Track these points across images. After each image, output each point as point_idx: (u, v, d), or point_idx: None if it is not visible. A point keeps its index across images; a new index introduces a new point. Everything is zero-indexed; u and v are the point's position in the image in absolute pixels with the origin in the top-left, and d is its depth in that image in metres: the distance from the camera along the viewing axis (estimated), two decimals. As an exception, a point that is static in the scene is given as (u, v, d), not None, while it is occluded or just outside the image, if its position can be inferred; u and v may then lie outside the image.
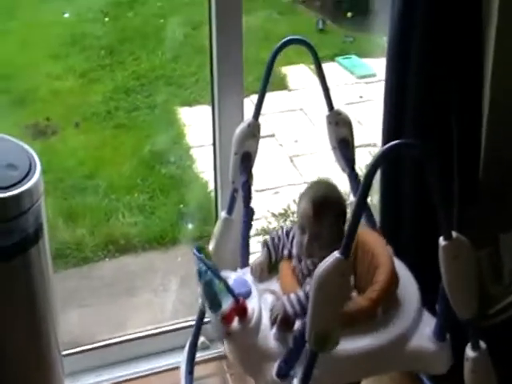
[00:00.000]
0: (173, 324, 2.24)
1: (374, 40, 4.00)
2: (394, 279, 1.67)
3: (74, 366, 2.08)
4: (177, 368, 2.08)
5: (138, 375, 2.13)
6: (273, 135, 3.73)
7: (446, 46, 1.88)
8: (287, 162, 3.58)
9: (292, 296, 1.60)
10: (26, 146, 1.65)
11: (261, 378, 1.59)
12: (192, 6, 4.30)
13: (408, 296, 1.71)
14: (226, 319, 1.56)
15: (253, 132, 1.86)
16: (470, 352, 1.56)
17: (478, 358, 1.56)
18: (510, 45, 2.05)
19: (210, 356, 2.18)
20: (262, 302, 1.66)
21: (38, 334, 1.69)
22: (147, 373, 2.14)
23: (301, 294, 1.60)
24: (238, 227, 1.91)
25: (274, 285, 1.74)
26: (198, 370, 2.09)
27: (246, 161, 1.87)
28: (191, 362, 2.01)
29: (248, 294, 1.64)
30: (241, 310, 1.57)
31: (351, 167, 1.94)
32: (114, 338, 2.19)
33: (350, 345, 1.56)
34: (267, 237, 1.83)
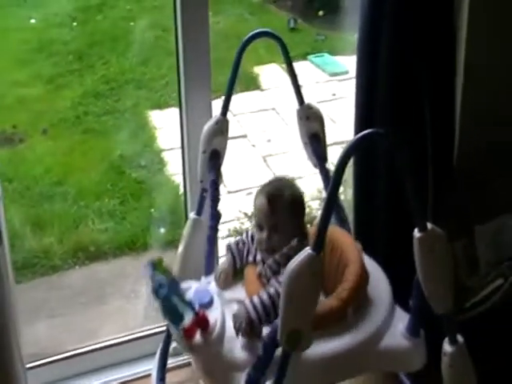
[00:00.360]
0: (144, 331, 2.17)
1: (345, 38, 3.97)
2: (363, 276, 1.62)
3: (41, 379, 2.00)
4: (149, 375, 2.01)
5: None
6: (245, 136, 3.68)
7: (417, 34, 1.84)
8: (260, 162, 3.53)
9: (255, 299, 1.53)
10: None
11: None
12: (162, 8, 4.25)
13: (379, 293, 1.65)
14: (188, 333, 1.49)
15: (221, 129, 1.80)
16: (447, 347, 1.52)
17: (455, 352, 1.51)
18: (482, 32, 2.02)
19: (182, 362, 2.10)
20: (228, 311, 1.59)
21: (-1, 347, 1.60)
22: (118, 382, 2.06)
23: (264, 296, 1.53)
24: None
25: (240, 291, 1.67)
26: (171, 377, 2.02)
27: (215, 159, 1.81)
28: (162, 369, 1.94)
29: (210, 304, 1.57)
30: (202, 323, 1.50)
31: (323, 163, 1.89)
32: (82, 347, 2.11)
33: (320, 348, 1.50)
34: (231, 241, 1.76)
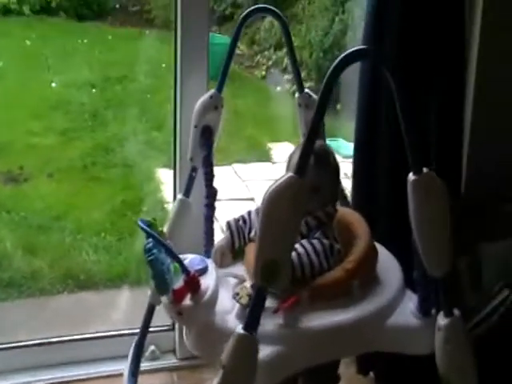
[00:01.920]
0: (125, 329, 2.02)
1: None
2: (371, 251, 1.53)
3: (7, 364, 1.86)
4: (121, 374, 1.85)
5: (77, 378, 1.90)
6: (252, 199, 3.63)
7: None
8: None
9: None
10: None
11: (217, 359, 1.37)
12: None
13: (388, 274, 1.55)
14: (177, 296, 1.38)
15: (215, 104, 1.74)
16: (441, 320, 1.38)
17: (450, 325, 1.37)
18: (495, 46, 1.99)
19: (160, 366, 1.96)
20: (223, 285, 1.48)
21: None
22: (88, 376, 1.90)
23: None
24: (197, 212, 1.75)
25: (238, 268, 1.56)
26: (147, 380, 1.87)
27: (207, 135, 1.74)
28: (136, 363, 1.78)
29: (203, 271, 1.46)
30: (192, 284, 1.38)
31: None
32: (52, 337, 1.97)
33: (322, 320, 1.39)
34: (231, 219, 1.65)
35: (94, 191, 3.51)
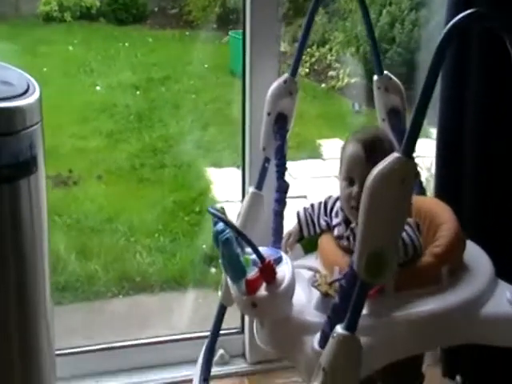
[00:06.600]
0: (188, 333, 1.92)
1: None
2: (459, 236, 1.41)
3: (71, 370, 1.76)
4: (190, 380, 1.75)
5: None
6: (305, 196, 3.51)
7: None
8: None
9: None
10: (29, 76, 1.43)
11: (297, 353, 1.26)
12: (224, 86, 4.28)
13: (478, 264, 1.44)
14: (251, 286, 1.24)
15: (289, 89, 1.63)
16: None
17: None
18: None
19: (229, 371, 1.86)
20: (298, 277, 1.34)
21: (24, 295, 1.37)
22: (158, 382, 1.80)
23: None
24: (270, 206, 1.64)
25: (311, 262, 1.46)
26: (215, 386, 1.76)
27: (281, 123, 1.62)
28: (207, 367, 1.67)
29: (278, 261, 1.33)
30: (268, 272, 1.25)
31: (403, 140, 1.67)
32: (116, 341, 1.87)
33: (411, 309, 1.29)
34: (300, 209, 1.57)
35: (144, 193, 3.44)
